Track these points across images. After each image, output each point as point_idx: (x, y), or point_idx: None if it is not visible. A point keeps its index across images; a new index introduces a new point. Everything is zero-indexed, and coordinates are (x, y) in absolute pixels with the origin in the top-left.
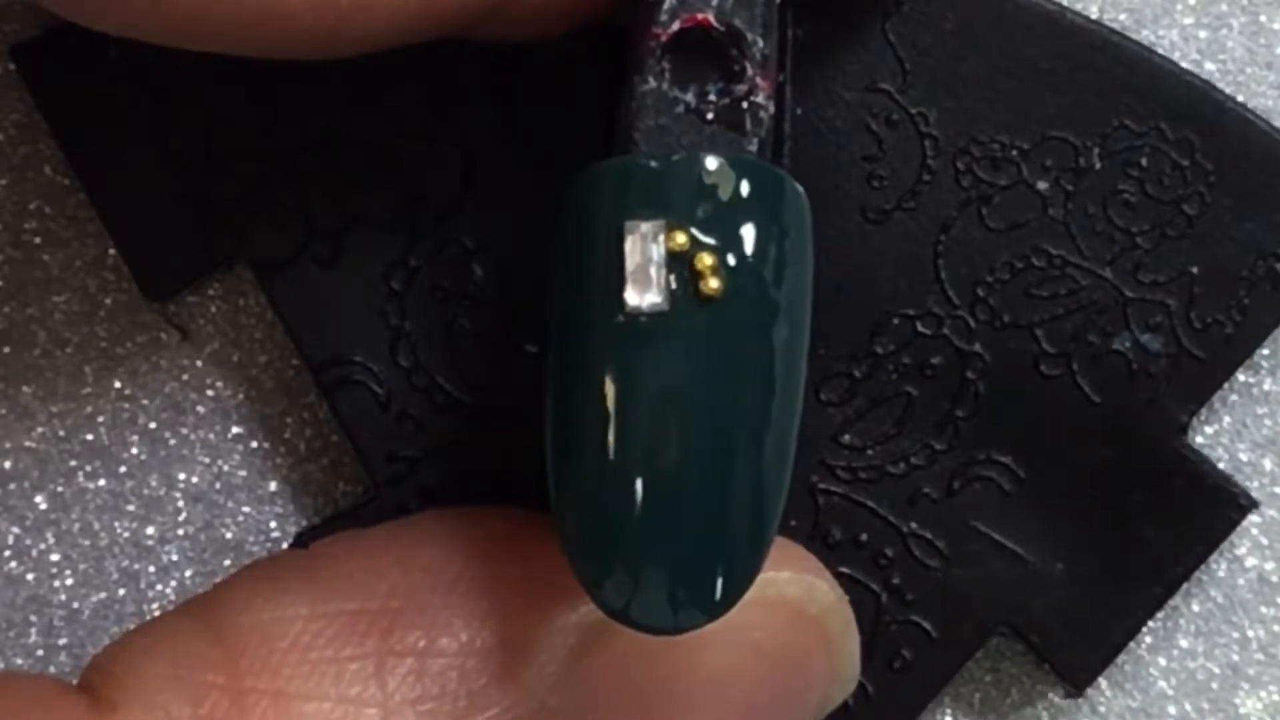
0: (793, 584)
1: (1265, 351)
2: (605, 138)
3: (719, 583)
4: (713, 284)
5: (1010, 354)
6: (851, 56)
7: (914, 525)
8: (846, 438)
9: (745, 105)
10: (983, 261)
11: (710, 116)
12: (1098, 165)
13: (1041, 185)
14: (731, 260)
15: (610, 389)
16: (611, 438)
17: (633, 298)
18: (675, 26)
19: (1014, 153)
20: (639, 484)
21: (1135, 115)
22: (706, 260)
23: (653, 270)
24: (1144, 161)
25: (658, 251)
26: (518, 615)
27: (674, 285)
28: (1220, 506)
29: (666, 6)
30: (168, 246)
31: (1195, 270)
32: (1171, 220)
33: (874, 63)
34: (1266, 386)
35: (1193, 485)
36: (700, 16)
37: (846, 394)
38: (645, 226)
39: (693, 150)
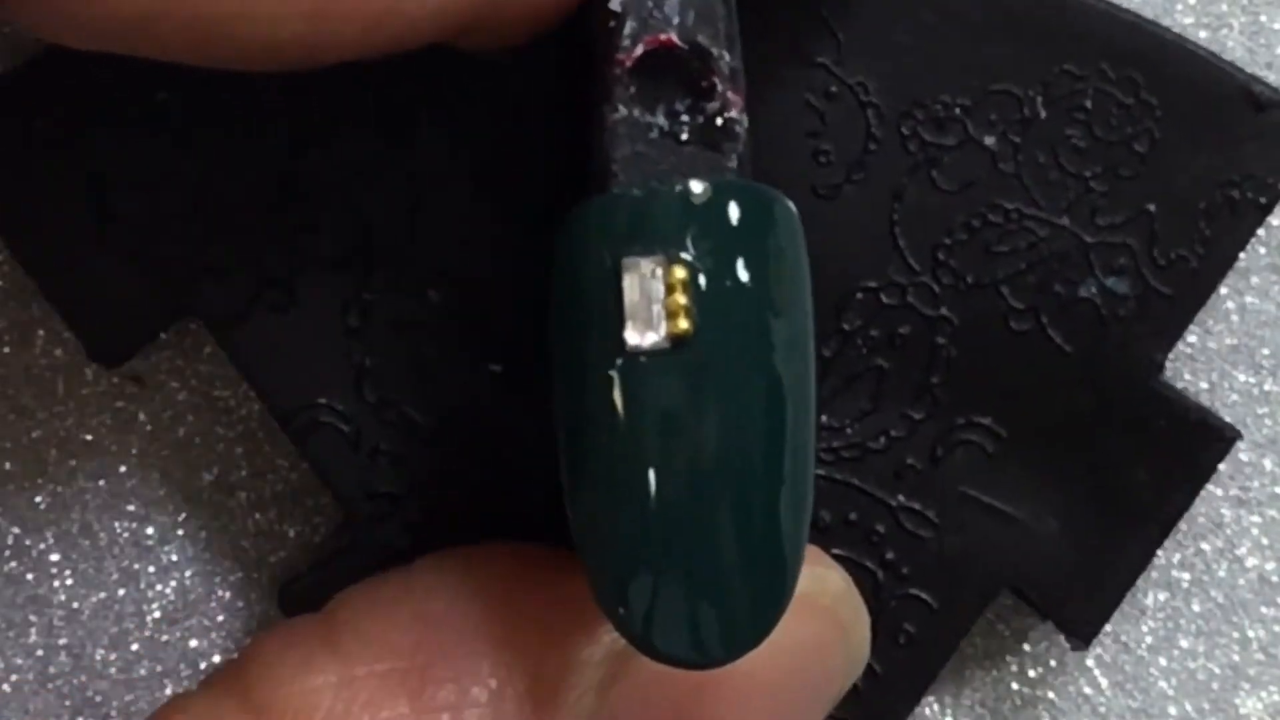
0: (804, 578)
1: (1266, 351)
2: (565, 158)
3: (742, 616)
4: (681, 324)
5: (978, 314)
6: (784, 33)
7: (902, 498)
8: (824, 419)
9: (720, 122)
10: (939, 224)
11: (685, 137)
12: (1043, 114)
13: (989, 140)
14: (730, 288)
15: (617, 428)
16: (622, 475)
17: (633, 337)
18: (639, 50)
19: (957, 110)
20: (652, 520)
21: (1075, 59)
22: (680, 300)
23: (654, 308)
24: (1089, 104)
25: (657, 288)
26: (544, 654)
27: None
28: (1204, 441)
29: (627, 31)
30: (115, 310)
31: (1153, 208)
32: (1124, 160)
33: (807, 37)
34: (1268, 387)
35: (1174, 423)
36: (663, 37)
37: (819, 375)
38: (645, 263)
39: (682, 180)
